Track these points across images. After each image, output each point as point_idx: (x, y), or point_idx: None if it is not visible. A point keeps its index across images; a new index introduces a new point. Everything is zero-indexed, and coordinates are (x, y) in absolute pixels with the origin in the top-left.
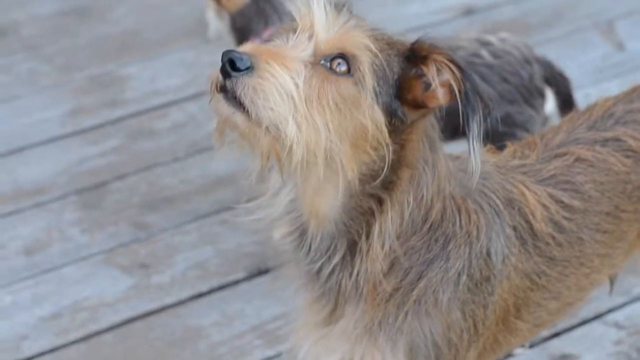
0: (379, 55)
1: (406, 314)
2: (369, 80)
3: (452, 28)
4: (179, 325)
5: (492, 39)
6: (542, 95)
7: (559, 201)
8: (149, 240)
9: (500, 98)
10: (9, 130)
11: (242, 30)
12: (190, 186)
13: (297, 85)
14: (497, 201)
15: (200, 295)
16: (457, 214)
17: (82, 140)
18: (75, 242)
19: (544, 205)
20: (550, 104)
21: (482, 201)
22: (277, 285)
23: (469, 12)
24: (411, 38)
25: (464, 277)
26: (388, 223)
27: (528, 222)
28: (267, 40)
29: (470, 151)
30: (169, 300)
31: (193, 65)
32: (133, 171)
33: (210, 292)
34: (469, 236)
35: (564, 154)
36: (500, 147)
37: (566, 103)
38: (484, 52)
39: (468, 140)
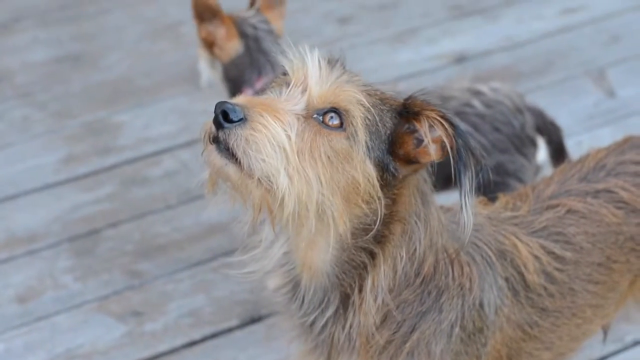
0: (372, 110)
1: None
2: (362, 135)
3: (444, 75)
4: None
5: (483, 88)
6: (534, 144)
7: (550, 252)
8: (142, 288)
9: (492, 147)
10: (2, 177)
11: (235, 81)
12: (183, 234)
13: (289, 138)
14: (490, 253)
15: (194, 343)
16: (450, 267)
17: (76, 188)
18: (68, 290)
19: (535, 257)
20: (542, 153)
21: (475, 253)
22: (270, 333)
23: (460, 59)
24: (403, 86)
25: (456, 329)
26: (381, 277)
27: (520, 273)
28: (261, 91)
29: (463, 206)
30: (162, 348)
31: (186, 113)
32: (126, 219)
33: (204, 340)
34: (461, 288)
35: (556, 206)
36: (492, 198)
37: (558, 152)
38: (476, 102)
39: (460, 196)
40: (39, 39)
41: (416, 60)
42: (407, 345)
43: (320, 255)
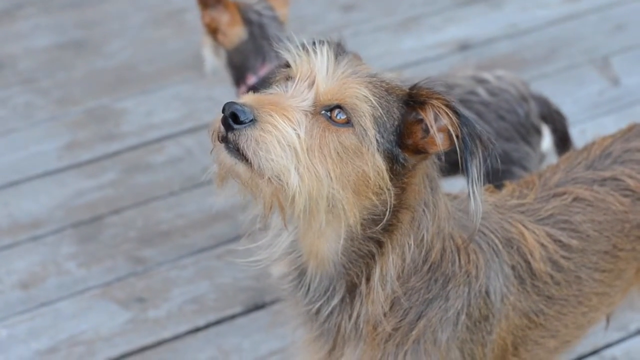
0: (379, 104)
1: (405, 353)
2: (370, 130)
3: (447, 63)
4: None
5: (488, 76)
6: (538, 133)
7: (557, 240)
8: (146, 275)
9: (497, 135)
10: (5, 163)
11: (238, 67)
12: (187, 220)
13: (299, 137)
14: (496, 241)
15: (197, 329)
16: (457, 254)
17: (79, 174)
18: (71, 276)
19: (542, 245)
20: (546, 141)
21: (481, 241)
22: (274, 320)
23: (464, 47)
24: (407, 73)
25: (462, 317)
26: (389, 265)
27: (527, 261)
28: (265, 79)
29: (471, 194)
30: (165, 334)
31: (189, 100)
32: (129, 205)
33: (207, 326)
34: (468, 276)
35: (563, 194)
36: (498, 186)
37: (562, 140)
38: (480, 90)
39: (468, 184)
40: (41, 26)
41: (420, 48)
42: (414, 332)
43: (328, 245)
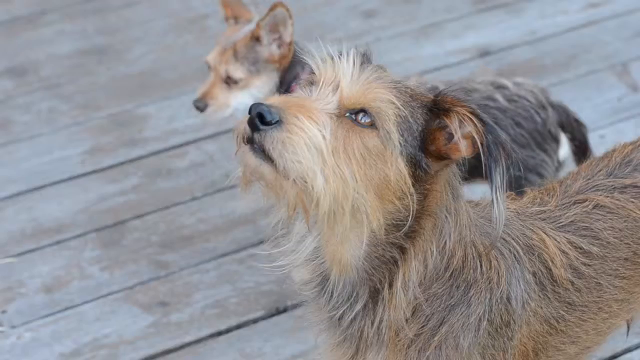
0: (403, 108)
1: (427, 358)
2: (394, 134)
3: (467, 69)
4: None
5: (507, 83)
6: (556, 141)
7: (578, 247)
8: (168, 279)
9: (513, 142)
10: (29, 168)
11: (284, 83)
12: (209, 225)
13: (324, 138)
14: (518, 247)
15: (219, 333)
16: (479, 261)
17: (102, 179)
18: (94, 280)
19: (563, 252)
20: (564, 149)
21: (503, 247)
22: (296, 324)
23: (484, 53)
24: (428, 79)
25: (484, 323)
26: (412, 272)
27: (548, 268)
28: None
29: (494, 201)
30: (188, 338)
31: None
32: (152, 210)
33: (229, 330)
34: (490, 282)
35: (584, 201)
36: (519, 193)
37: (581, 148)
38: (499, 96)
39: (491, 191)
40: (64, 32)
41: (440, 55)
42: (436, 338)
43: (351, 250)
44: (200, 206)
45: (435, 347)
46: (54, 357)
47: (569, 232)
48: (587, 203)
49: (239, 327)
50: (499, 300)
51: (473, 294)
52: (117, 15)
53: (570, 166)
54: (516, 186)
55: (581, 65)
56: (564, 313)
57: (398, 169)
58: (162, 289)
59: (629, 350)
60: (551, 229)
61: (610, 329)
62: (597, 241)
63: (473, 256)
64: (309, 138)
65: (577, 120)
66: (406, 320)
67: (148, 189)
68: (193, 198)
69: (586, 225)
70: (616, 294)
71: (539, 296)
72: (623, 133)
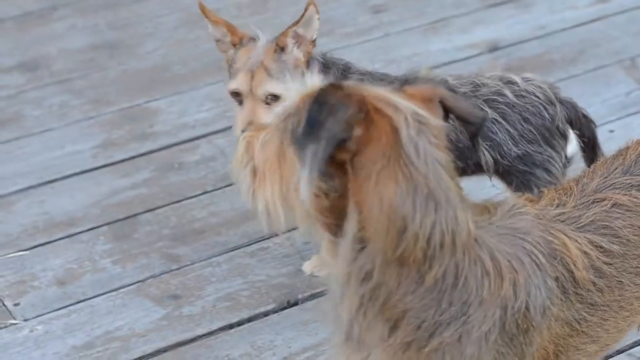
0: None
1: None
2: None
3: (477, 64)
4: (210, 356)
5: (516, 78)
6: (564, 137)
7: (598, 246)
8: (180, 272)
9: (520, 137)
10: (42, 162)
11: None
12: (220, 219)
13: None
14: (539, 254)
15: (231, 326)
16: (483, 280)
17: (113, 173)
18: (107, 273)
19: (585, 253)
20: (572, 145)
21: (524, 256)
22: (307, 317)
23: (493, 48)
24: (438, 73)
25: (493, 336)
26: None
27: (570, 271)
28: None
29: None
30: (199, 331)
31: (221, 100)
32: (163, 204)
33: (240, 323)
34: (502, 300)
35: (602, 200)
36: (522, 187)
37: (589, 145)
38: (507, 91)
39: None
40: (76, 27)
41: (449, 50)
42: (426, 349)
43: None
44: (211, 200)
45: (434, 351)
46: (66, 350)
47: (589, 231)
48: (605, 202)
49: (250, 320)
50: (515, 312)
51: (473, 313)
52: (128, 10)
53: (578, 162)
54: (524, 181)
55: (590, 60)
56: (585, 314)
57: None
58: (174, 282)
59: (638, 343)
60: (571, 230)
61: (631, 326)
62: (617, 239)
63: (473, 276)
64: None
65: (585, 116)
66: (389, 328)
67: (159, 183)
68: (204, 192)
69: (606, 224)
70: (637, 292)
71: (561, 300)
72: (632, 128)
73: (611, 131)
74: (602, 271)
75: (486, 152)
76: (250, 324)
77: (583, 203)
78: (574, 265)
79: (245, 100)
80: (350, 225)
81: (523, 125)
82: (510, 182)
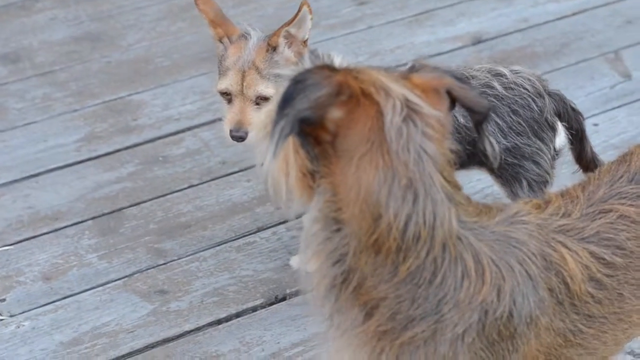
0: None
1: (402, 351)
2: None
3: (461, 57)
4: (198, 352)
5: (504, 70)
6: (552, 129)
7: (600, 258)
8: (167, 267)
9: (509, 129)
10: (25, 155)
11: None
12: (206, 213)
13: None
14: (532, 265)
15: (219, 322)
16: (463, 280)
17: (98, 167)
18: (93, 268)
19: (585, 266)
20: (561, 137)
21: (515, 264)
22: (295, 312)
23: (477, 41)
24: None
25: (469, 339)
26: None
27: (566, 283)
28: None
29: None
30: (187, 326)
31: (206, 93)
32: (148, 198)
33: (229, 319)
34: (481, 303)
35: (608, 211)
36: (512, 181)
37: (577, 137)
38: (496, 84)
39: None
40: (57, 18)
41: (433, 42)
42: (398, 341)
43: None
44: (197, 194)
45: (407, 344)
46: (54, 346)
47: (592, 243)
48: (612, 214)
49: (238, 315)
50: (497, 318)
51: (447, 312)
52: (109, 2)
53: (566, 155)
54: (513, 174)
55: (573, 53)
56: (581, 326)
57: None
58: (161, 277)
59: None
60: (574, 242)
61: (629, 338)
62: (620, 251)
63: (451, 273)
64: None
65: (573, 109)
66: (366, 314)
67: (144, 177)
68: (190, 185)
69: (610, 236)
70: (637, 304)
71: (554, 310)
72: (616, 121)
73: (595, 124)
74: (602, 283)
75: (492, 140)
76: (238, 319)
77: (589, 214)
78: (571, 278)
79: (234, 100)
80: (317, 204)
81: (512, 118)
82: (498, 174)
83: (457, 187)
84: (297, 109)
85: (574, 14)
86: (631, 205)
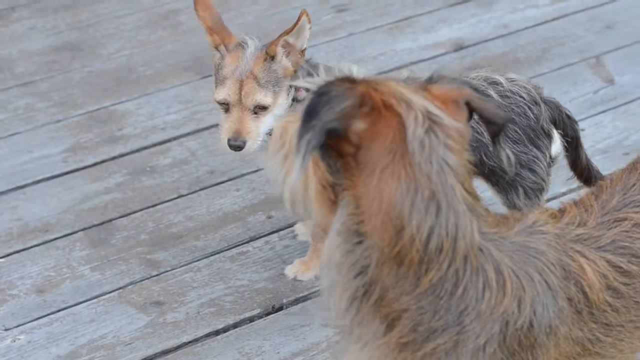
0: None
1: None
2: None
3: (444, 64)
4: None
5: (500, 78)
6: (548, 137)
7: (617, 267)
8: (161, 278)
9: (506, 138)
10: (11, 167)
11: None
12: (197, 223)
13: None
14: (551, 275)
15: (217, 333)
16: (484, 292)
17: (85, 177)
18: (86, 280)
19: (602, 275)
20: (557, 145)
21: (534, 274)
22: (293, 322)
23: (459, 47)
24: (402, 74)
25: (490, 349)
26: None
27: (584, 292)
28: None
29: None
30: (185, 338)
31: (190, 102)
32: (138, 208)
33: (226, 330)
34: (502, 314)
35: (623, 220)
36: (511, 188)
37: (572, 145)
38: (492, 92)
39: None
40: (36, 28)
41: (415, 49)
42: (420, 352)
43: None
44: (187, 203)
45: (429, 356)
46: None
47: (609, 251)
48: (626, 222)
49: (235, 326)
50: (518, 329)
51: (469, 323)
52: (88, 11)
53: (562, 162)
54: (509, 182)
55: (554, 59)
56: (600, 335)
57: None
58: (156, 288)
59: None
60: (591, 251)
61: None
62: (636, 259)
63: (473, 285)
64: None
65: (568, 116)
66: (386, 327)
67: (133, 187)
68: (179, 195)
69: (626, 244)
70: None
71: (573, 319)
72: (602, 126)
73: (582, 130)
74: (619, 291)
75: (508, 151)
76: (236, 330)
77: (604, 222)
78: (590, 288)
79: (232, 109)
80: (340, 217)
81: (508, 126)
82: (495, 182)
83: (477, 198)
84: (323, 120)
85: (553, 19)
86: None
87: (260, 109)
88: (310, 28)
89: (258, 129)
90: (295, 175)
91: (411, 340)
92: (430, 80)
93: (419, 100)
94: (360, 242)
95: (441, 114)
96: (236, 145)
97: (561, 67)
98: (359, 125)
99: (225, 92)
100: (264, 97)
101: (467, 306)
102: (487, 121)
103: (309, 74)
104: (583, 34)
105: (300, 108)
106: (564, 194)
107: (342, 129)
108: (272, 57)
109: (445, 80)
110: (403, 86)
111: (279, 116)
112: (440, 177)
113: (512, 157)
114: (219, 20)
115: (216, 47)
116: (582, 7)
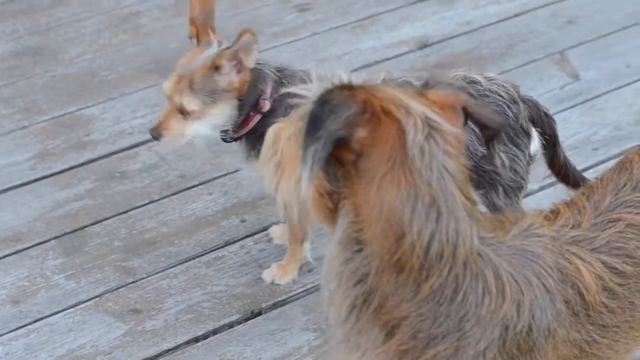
0: None
1: None
2: None
3: (408, 62)
4: None
5: (479, 78)
6: (527, 135)
7: (612, 268)
8: (137, 285)
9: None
10: None
11: (247, 103)
12: (170, 228)
13: None
14: (549, 278)
15: (197, 339)
16: (484, 297)
17: (54, 184)
18: (61, 289)
19: (598, 276)
20: (535, 143)
21: (532, 278)
22: (273, 327)
23: (423, 45)
24: (380, 75)
25: (491, 354)
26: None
27: (581, 295)
28: (278, 99)
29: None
30: (166, 345)
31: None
32: (110, 215)
33: (206, 336)
34: (502, 319)
35: (617, 220)
36: (491, 187)
37: (550, 143)
38: (471, 91)
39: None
40: None
41: (379, 47)
42: (422, 358)
43: None
44: (159, 209)
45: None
46: None
47: (603, 252)
48: (620, 223)
49: (215, 332)
50: (517, 333)
51: (470, 329)
52: (47, 15)
53: (540, 160)
54: (489, 181)
55: (519, 55)
56: (596, 336)
57: None
58: (132, 295)
59: None
60: (586, 252)
61: (639, 346)
62: (630, 260)
63: (473, 290)
64: None
65: (546, 115)
66: (385, 335)
67: (103, 193)
68: (151, 201)
69: (620, 245)
70: None
71: (570, 322)
72: (569, 122)
73: None
74: (614, 292)
75: (502, 156)
76: (216, 336)
77: (597, 223)
78: (586, 290)
79: (167, 103)
80: (341, 226)
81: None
82: (475, 182)
83: (474, 203)
84: (329, 130)
85: (515, 16)
86: (638, 213)
87: (185, 112)
88: (257, 49)
89: (181, 130)
90: (304, 188)
91: (411, 348)
92: (427, 86)
93: (418, 106)
94: (359, 250)
95: (440, 120)
96: (152, 135)
97: (526, 63)
98: (360, 133)
99: (166, 82)
100: (188, 102)
101: (467, 312)
102: (482, 126)
103: (279, 84)
104: (546, 29)
105: (292, 115)
106: (537, 191)
107: (347, 136)
108: (217, 68)
109: (442, 85)
110: (399, 92)
111: (213, 126)
112: (441, 184)
113: (507, 162)
114: (208, 14)
115: (190, 38)
116: (543, 3)
